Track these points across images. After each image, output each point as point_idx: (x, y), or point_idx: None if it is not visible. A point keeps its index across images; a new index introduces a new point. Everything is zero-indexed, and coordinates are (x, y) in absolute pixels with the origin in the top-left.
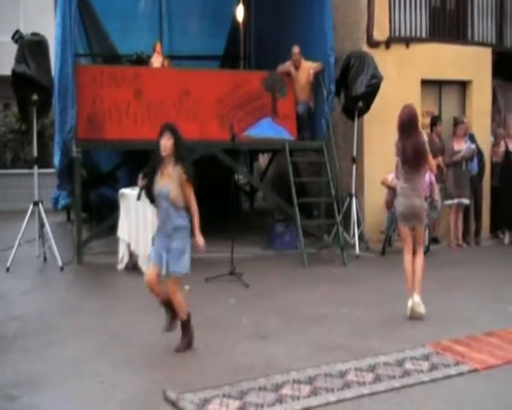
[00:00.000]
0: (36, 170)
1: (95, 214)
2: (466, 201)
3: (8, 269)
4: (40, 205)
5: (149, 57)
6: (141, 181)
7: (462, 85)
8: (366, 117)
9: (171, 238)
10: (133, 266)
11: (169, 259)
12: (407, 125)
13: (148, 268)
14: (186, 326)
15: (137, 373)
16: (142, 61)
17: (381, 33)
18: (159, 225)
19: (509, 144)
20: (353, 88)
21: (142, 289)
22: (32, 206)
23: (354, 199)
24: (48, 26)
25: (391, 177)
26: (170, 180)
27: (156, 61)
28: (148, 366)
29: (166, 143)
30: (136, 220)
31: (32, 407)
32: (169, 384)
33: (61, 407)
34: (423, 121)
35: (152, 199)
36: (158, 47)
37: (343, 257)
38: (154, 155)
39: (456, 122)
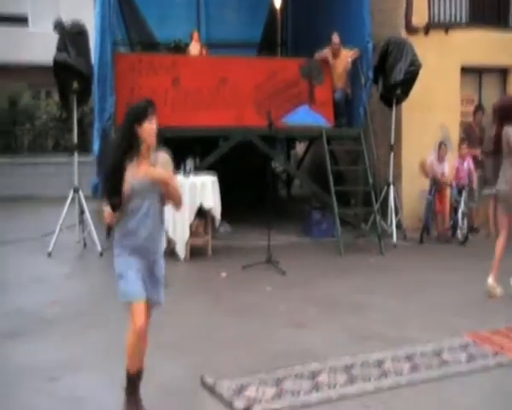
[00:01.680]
0: (76, 157)
1: None
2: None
3: (49, 254)
4: (80, 191)
5: (187, 45)
6: (108, 214)
7: (503, 72)
8: (404, 105)
9: (157, 254)
10: (171, 252)
11: (156, 286)
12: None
13: (135, 309)
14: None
15: (175, 358)
16: (179, 49)
17: (419, 19)
18: (129, 237)
19: None
20: (392, 75)
21: (179, 274)
22: (72, 192)
23: (392, 187)
24: (87, 15)
25: (430, 160)
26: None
27: (194, 49)
28: (185, 351)
29: (154, 127)
30: None
31: (72, 388)
32: (206, 370)
33: (101, 389)
34: (463, 109)
35: (118, 202)
36: (195, 35)
37: (380, 246)
38: (117, 147)
39: None
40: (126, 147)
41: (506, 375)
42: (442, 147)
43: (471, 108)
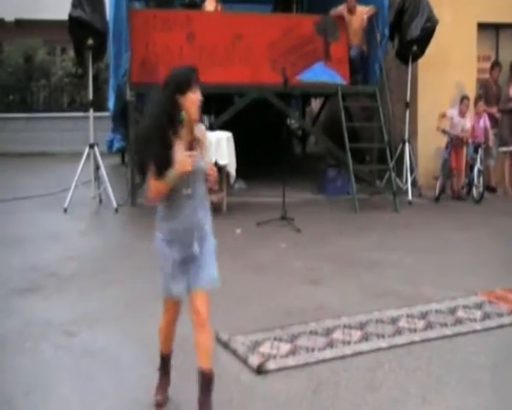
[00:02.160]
0: (91, 113)
1: None
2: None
3: (65, 210)
4: (95, 148)
5: (202, 1)
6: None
7: None
8: (420, 62)
9: (203, 233)
10: None
11: (201, 265)
12: None
13: (167, 304)
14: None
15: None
16: (195, 4)
17: None
18: (171, 219)
19: None
20: (408, 32)
21: None
22: (87, 149)
23: (407, 145)
24: None
25: (450, 113)
26: (200, 149)
27: (209, 5)
28: None
29: (198, 98)
30: None
31: (90, 343)
32: (221, 327)
33: (118, 344)
34: (479, 66)
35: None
36: None
37: (395, 203)
38: (157, 117)
39: None
40: (167, 120)
41: None
42: (464, 101)
43: (487, 65)
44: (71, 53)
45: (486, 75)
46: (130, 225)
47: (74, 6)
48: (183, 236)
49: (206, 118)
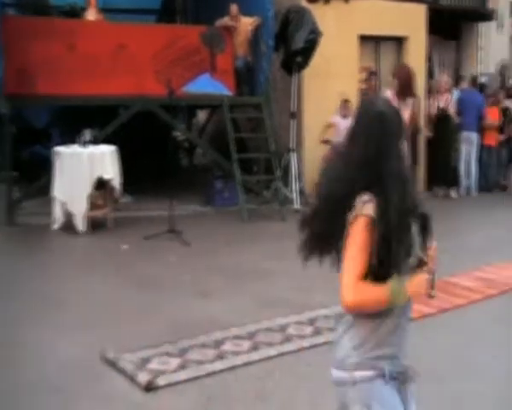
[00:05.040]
0: None
1: (26, 173)
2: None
3: None
4: None
5: (83, 9)
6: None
7: (399, 41)
8: (305, 72)
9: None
10: (69, 226)
11: None
12: None
13: None
14: None
15: (76, 335)
16: (75, 13)
17: None
18: (388, 346)
19: (440, 101)
20: (292, 43)
21: (78, 248)
22: None
23: (293, 154)
24: None
25: (334, 118)
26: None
27: (91, 14)
28: (87, 327)
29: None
30: (72, 179)
31: None
32: (108, 345)
33: None
34: (361, 77)
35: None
36: (93, 0)
37: (282, 213)
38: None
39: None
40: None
41: None
42: (346, 104)
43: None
44: None
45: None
46: (8, 244)
47: None
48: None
49: (88, 131)
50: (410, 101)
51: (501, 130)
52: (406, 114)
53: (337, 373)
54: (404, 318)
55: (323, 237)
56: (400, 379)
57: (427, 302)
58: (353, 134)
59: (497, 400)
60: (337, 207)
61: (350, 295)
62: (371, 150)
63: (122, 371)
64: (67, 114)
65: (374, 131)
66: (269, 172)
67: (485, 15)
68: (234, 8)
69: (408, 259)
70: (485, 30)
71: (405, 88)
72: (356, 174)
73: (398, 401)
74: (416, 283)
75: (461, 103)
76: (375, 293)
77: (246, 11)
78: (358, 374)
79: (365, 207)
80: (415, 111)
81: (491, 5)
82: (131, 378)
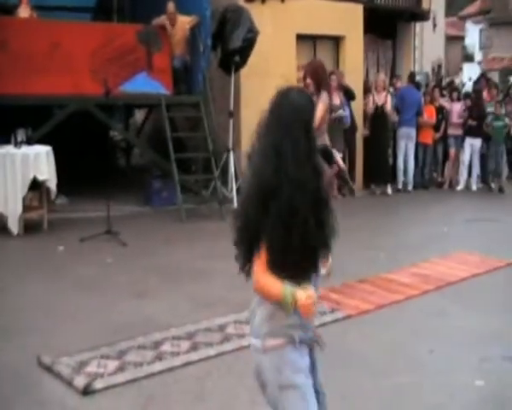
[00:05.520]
0: None
1: None
2: (339, 154)
3: None
4: None
5: (15, 7)
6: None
7: (336, 41)
8: (243, 71)
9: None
10: (2, 228)
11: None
12: None
13: None
14: None
15: (9, 340)
16: (6, 10)
17: None
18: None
19: (377, 98)
20: (230, 42)
21: (13, 251)
22: None
23: (232, 153)
24: None
25: None
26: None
27: (23, 11)
28: (20, 332)
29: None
30: (5, 180)
31: None
32: (44, 350)
33: None
34: (299, 75)
35: None
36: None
37: (221, 212)
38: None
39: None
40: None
41: (341, 329)
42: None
43: None
44: None
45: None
46: None
47: None
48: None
49: (21, 131)
50: (324, 95)
51: (436, 128)
52: (321, 108)
53: (253, 341)
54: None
55: (249, 226)
56: (309, 345)
57: (366, 299)
58: (268, 123)
59: (436, 392)
60: (259, 196)
61: (255, 280)
62: (284, 137)
63: (58, 376)
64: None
65: (286, 119)
66: (207, 171)
67: (421, 15)
68: (171, 6)
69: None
70: (421, 30)
71: (319, 82)
72: (272, 162)
73: (308, 364)
74: (304, 300)
75: (400, 100)
76: (270, 285)
77: (183, 10)
78: (269, 343)
79: None
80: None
81: (426, 5)
82: (68, 382)
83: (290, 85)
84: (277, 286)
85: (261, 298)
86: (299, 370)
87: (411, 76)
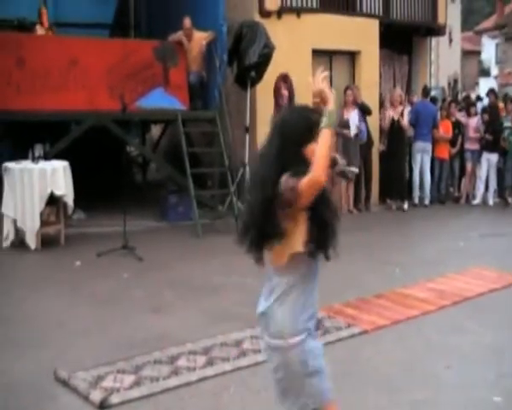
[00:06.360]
0: None
1: None
2: (355, 169)
3: None
4: None
5: (33, 24)
6: None
7: (351, 56)
8: (259, 87)
9: None
10: (20, 243)
11: None
12: None
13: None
14: None
15: (26, 354)
16: (24, 27)
17: (272, 3)
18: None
19: (393, 113)
20: (246, 58)
21: (30, 266)
22: None
23: (248, 168)
24: None
25: None
26: None
27: (41, 28)
28: (38, 346)
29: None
30: (22, 195)
31: None
32: (60, 364)
33: None
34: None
35: None
36: (44, 17)
37: (237, 227)
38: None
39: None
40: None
41: (358, 345)
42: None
43: None
44: None
45: None
46: None
47: None
48: None
49: (39, 147)
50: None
51: (453, 143)
52: None
53: (272, 342)
54: (316, 279)
55: (254, 224)
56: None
57: (382, 314)
58: (270, 137)
59: (453, 408)
60: (261, 196)
61: (317, 175)
62: (282, 148)
63: (75, 390)
64: (17, 129)
65: (282, 134)
66: (223, 186)
67: (437, 30)
68: (187, 21)
69: None
70: (436, 44)
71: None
72: (272, 166)
73: (321, 345)
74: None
75: (415, 114)
76: (322, 151)
77: (199, 26)
78: (294, 341)
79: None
80: None
81: (442, 20)
82: (85, 397)
83: (299, 104)
84: (322, 142)
85: (281, 300)
86: (319, 355)
87: (425, 90)
